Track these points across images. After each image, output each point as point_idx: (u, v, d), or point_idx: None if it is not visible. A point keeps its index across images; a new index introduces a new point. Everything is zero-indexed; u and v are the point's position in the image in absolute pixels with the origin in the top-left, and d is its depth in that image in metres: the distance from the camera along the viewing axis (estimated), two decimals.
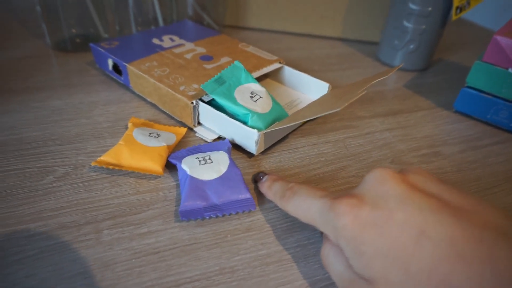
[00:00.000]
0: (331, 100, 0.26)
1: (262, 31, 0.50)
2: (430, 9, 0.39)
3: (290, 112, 0.32)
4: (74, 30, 0.43)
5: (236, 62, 0.30)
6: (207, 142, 0.29)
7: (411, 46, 0.42)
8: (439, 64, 0.46)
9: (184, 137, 0.29)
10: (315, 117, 0.24)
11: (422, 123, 0.35)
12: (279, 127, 0.25)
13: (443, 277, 0.14)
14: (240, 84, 0.29)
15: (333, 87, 0.39)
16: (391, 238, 0.15)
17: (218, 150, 0.26)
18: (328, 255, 0.18)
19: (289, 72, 0.36)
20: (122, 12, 0.44)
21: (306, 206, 0.19)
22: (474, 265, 0.14)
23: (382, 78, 0.26)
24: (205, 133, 0.29)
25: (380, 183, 0.17)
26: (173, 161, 0.26)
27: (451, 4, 0.39)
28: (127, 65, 0.32)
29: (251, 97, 0.28)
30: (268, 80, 0.37)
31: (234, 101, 0.27)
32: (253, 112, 0.27)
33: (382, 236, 0.15)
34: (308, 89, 0.35)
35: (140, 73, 0.31)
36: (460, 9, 0.39)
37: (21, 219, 0.22)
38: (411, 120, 0.35)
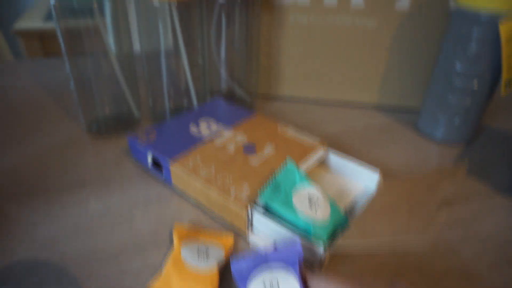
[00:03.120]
0: (400, 217, 0.24)
1: (295, 100, 0.49)
2: (475, 86, 0.37)
3: (341, 204, 0.30)
4: (107, 110, 0.43)
5: (289, 164, 0.29)
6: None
7: (456, 121, 0.40)
8: (487, 133, 0.44)
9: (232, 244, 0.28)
10: (394, 246, 0.22)
11: (481, 215, 0.32)
12: (347, 247, 0.23)
13: None
14: (295, 187, 0.27)
15: (378, 167, 0.37)
16: None
17: (287, 264, 0.23)
18: None
19: (335, 159, 0.34)
20: (154, 84, 0.44)
21: None
22: None
23: (449, 184, 0.24)
24: (260, 240, 0.27)
25: None
26: (239, 282, 0.23)
27: (499, 76, 0.37)
28: (170, 165, 0.31)
29: (310, 205, 0.26)
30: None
31: (294, 211, 0.26)
32: (315, 222, 0.25)
33: None
34: (355, 176, 0.33)
35: (186, 174, 0.30)
36: (511, 82, 0.38)
37: None
38: (468, 212, 0.32)
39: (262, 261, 0.23)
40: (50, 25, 1.34)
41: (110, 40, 0.37)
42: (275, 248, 0.24)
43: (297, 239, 0.25)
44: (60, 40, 0.36)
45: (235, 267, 0.23)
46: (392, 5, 0.41)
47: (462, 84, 0.38)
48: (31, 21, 1.38)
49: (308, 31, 0.44)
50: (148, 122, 0.44)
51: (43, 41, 1.37)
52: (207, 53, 0.43)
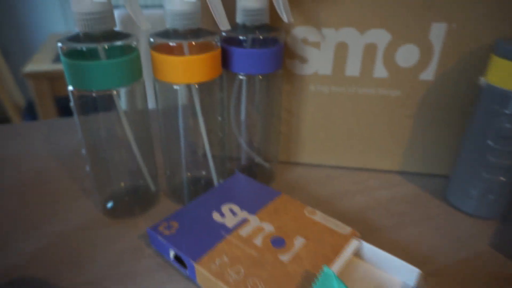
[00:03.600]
0: None
1: (315, 166, 0.48)
2: (510, 162, 0.36)
3: None
4: (122, 184, 0.42)
5: (326, 269, 0.27)
6: None
7: (490, 197, 0.38)
8: None
9: None
10: None
11: None
12: None
13: None
14: None
15: (412, 252, 0.35)
16: None
17: None
18: None
19: (369, 250, 0.32)
20: (171, 155, 0.42)
21: None
22: None
23: None
24: None
25: None
26: None
27: None
28: (195, 265, 0.29)
29: None
30: None
31: None
32: None
33: None
34: (393, 270, 0.31)
35: (213, 278, 0.28)
36: None
37: None
38: None
39: None
40: (59, 66, 1.35)
41: (123, 104, 0.36)
42: None
43: None
44: (77, 122, 0.35)
45: None
46: (416, 76, 0.40)
47: (496, 160, 0.36)
48: (40, 63, 1.40)
49: (329, 99, 0.43)
50: (164, 196, 0.42)
51: (52, 83, 1.39)
52: (227, 125, 0.42)
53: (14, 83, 1.58)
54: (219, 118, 0.39)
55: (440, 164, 0.45)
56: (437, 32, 0.38)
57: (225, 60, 0.37)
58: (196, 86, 0.34)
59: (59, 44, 0.31)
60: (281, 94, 0.42)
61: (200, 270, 0.29)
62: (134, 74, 0.33)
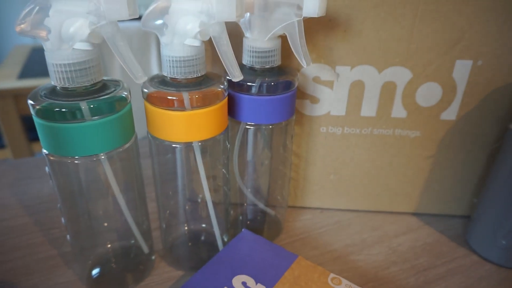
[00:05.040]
0: None
1: (324, 210, 0.44)
2: None
3: None
4: (109, 245, 0.36)
5: None
6: None
7: None
8: None
9: None
10: None
11: None
12: None
13: None
14: None
15: None
16: None
17: None
18: None
19: None
20: (168, 207, 0.36)
21: None
22: None
23: None
24: None
25: None
26: None
27: None
28: None
29: None
30: None
31: None
32: None
33: None
34: None
35: None
36: None
37: None
38: None
39: None
40: (25, 83, 1.25)
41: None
42: None
43: None
44: (54, 185, 0.29)
45: None
46: (437, 116, 0.37)
47: None
48: (4, 79, 1.29)
49: (342, 141, 0.39)
50: (159, 257, 0.37)
51: (17, 101, 1.28)
52: (231, 175, 0.37)
53: None
54: (223, 171, 0.34)
55: (457, 205, 0.42)
56: (462, 69, 0.34)
57: (229, 107, 0.32)
58: (199, 144, 0.29)
59: (30, 102, 0.25)
60: (292, 141, 0.37)
61: None
62: (126, 133, 0.27)
